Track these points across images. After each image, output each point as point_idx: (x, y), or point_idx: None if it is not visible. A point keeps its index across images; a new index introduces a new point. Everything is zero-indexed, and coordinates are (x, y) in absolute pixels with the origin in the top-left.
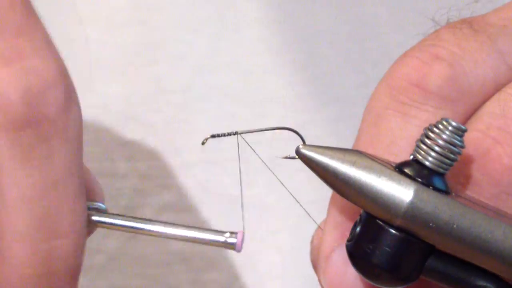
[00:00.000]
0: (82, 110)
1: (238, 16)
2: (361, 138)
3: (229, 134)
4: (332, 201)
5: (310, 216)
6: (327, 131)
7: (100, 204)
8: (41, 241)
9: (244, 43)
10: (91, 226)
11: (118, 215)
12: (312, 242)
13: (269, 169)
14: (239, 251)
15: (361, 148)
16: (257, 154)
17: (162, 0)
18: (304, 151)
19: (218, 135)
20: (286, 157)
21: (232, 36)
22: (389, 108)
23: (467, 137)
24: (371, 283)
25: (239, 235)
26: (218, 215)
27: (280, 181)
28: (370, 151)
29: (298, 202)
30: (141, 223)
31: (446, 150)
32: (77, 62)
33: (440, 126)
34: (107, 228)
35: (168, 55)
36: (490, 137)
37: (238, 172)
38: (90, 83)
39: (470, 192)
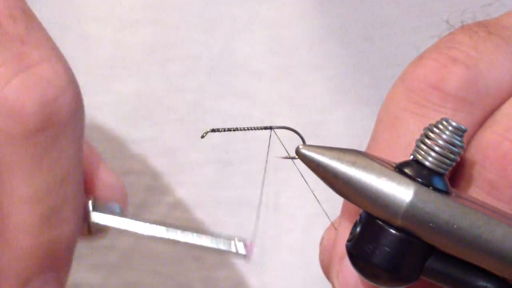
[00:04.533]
0: (97, 109)
1: (251, 17)
2: (378, 140)
3: (229, 130)
4: (346, 201)
5: (327, 215)
6: (339, 131)
7: (115, 206)
8: (46, 231)
9: (257, 43)
10: (98, 226)
11: (123, 217)
12: (321, 243)
13: (296, 166)
14: (248, 261)
15: (378, 150)
16: (284, 148)
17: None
18: (304, 151)
19: (218, 130)
20: (286, 157)
21: (245, 36)
22: (407, 109)
23: (485, 139)
24: (371, 283)
25: (249, 247)
26: (229, 213)
27: (304, 178)
28: (387, 152)
29: (318, 200)
30: (145, 227)
31: (446, 150)
32: (91, 61)
33: (440, 126)
34: (111, 229)
35: (182, 54)
36: (508, 140)
37: (249, 171)
38: (104, 82)
39: (489, 195)
